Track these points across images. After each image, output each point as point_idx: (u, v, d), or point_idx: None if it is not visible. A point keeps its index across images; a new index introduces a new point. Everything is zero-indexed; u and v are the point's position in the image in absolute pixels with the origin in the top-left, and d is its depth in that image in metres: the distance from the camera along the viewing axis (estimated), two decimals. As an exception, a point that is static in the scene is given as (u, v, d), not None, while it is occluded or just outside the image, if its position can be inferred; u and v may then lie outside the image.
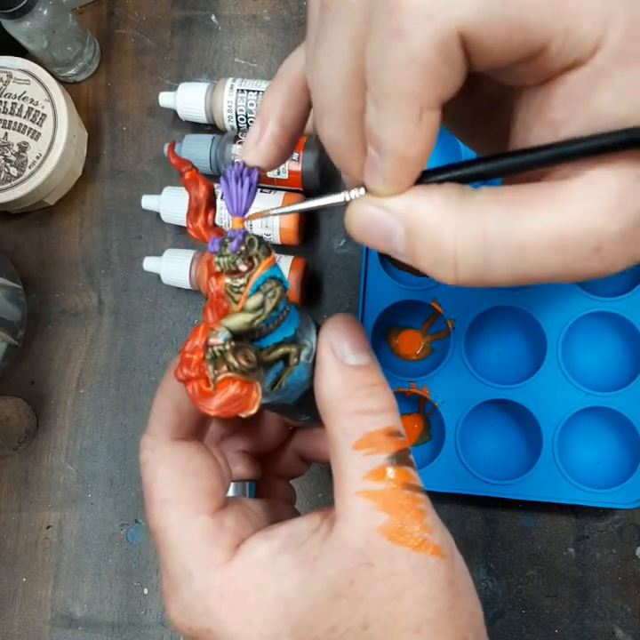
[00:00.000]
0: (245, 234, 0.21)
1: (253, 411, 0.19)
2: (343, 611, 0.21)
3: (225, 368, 0.19)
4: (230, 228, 0.21)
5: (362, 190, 0.19)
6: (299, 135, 0.23)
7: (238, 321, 0.20)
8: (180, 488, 0.23)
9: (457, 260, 0.17)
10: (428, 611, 0.21)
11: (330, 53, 0.17)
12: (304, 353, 0.22)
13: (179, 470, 0.23)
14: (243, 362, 0.19)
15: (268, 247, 0.21)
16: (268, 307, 0.21)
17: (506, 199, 0.17)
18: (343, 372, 0.22)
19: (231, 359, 0.19)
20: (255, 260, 0.21)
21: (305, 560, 0.21)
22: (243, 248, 0.21)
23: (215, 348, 0.19)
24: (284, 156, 0.23)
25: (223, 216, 0.51)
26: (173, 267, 0.54)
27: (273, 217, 0.51)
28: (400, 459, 0.21)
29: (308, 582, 0.21)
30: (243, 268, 0.21)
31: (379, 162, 0.17)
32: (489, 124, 0.23)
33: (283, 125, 0.22)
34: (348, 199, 0.19)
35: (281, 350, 0.22)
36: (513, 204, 0.17)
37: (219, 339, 0.19)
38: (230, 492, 0.26)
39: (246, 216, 0.22)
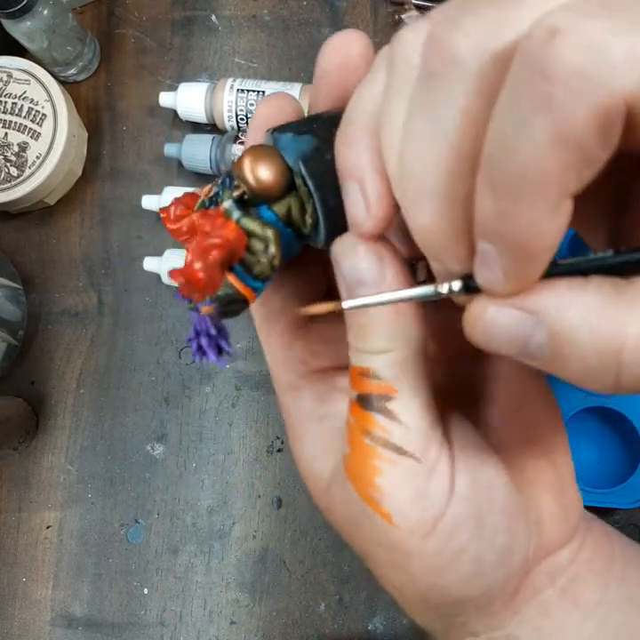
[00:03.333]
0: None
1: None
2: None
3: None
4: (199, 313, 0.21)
5: (457, 283, 0.16)
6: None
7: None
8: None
9: (621, 368, 0.14)
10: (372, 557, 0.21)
11: (433, 131, 0.15)
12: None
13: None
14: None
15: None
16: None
17: None
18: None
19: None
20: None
21: None
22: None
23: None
24: (393, 213, 0.19)
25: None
26: (173, 267, 0.54)
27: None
28: (364, 402, 0.20)
29: None
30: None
31: (497, 258, 0.15)
32: (608, 204, 0.19)
33: (385, 177, 0.18)
34: (442, 292, 0.17)
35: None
36: None
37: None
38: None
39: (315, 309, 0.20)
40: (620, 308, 0.14)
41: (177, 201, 0.21)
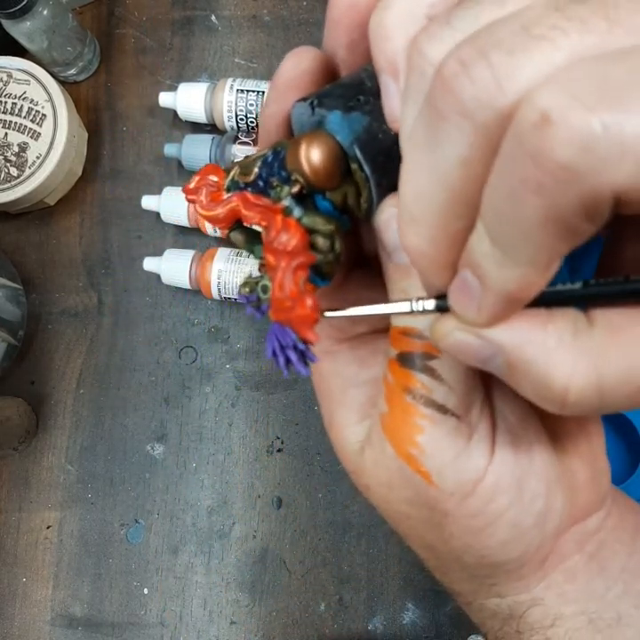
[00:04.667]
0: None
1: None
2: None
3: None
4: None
5: (431, 303, 0.17)
6: None
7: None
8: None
9: (566, 401, 0.15)
10: (404, 519, 0.21)
11: (433, 167, 0.15)
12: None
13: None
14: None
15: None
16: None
17: (625, 339, 0.15)
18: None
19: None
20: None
21: None
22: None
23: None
24: None
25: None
26: (173, 267, 0.54)
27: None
28: (405, 360, 0.20)
29: None
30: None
31: (477, 292, 0.15)
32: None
33: None
34: (416, 310, 0.18)
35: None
36: (633, 344, 0.15)
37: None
38: None
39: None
40: (572, 353, 0.15)
41: (202, 177, 0.20)
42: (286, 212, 0.18)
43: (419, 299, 0.17)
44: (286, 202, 0.18)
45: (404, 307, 0.18)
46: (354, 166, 0.18)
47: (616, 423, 0.48)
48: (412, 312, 0.17)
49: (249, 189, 0.19)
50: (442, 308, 0.17)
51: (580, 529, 0.22)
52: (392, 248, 0.19)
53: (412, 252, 0.16)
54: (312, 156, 0.18)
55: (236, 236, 0.20)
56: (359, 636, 0.53)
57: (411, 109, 0.16)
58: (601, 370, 0.15)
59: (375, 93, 0.18)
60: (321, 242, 0.18)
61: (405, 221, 0.16)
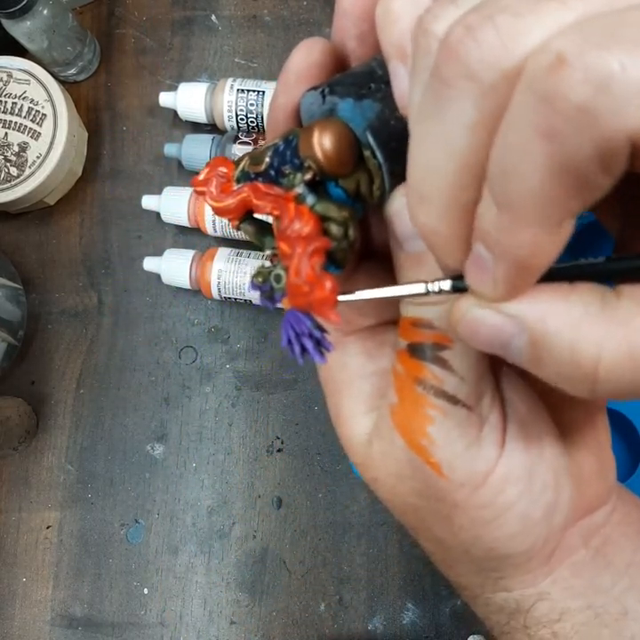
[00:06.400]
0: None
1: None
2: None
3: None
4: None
5: (447, 283, 0.17)
6: None
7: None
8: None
9: (598, 379, 0.14)
10: (411, 509, 0.21)
11: (441, 136, 0.14)
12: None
13: None
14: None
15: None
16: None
17: None
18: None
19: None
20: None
21: None
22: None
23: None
24: None
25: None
26: (173, 267, 0.54)
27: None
28: (416, 351, 0.20)
29: None
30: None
31: (491, 264, 0.15)
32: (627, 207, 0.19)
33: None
34: (432, 290, 0.17)
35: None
36: None
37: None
38: None
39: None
40: (601, 324, 0.14)
41: (211, 169, 0.20)
42: (299, 199, 0.18)
43: (434, 280, 0.17)
44: (299, 189, 0.18)
45: (419, 288, 0.17)
46: (367, 154, 0.18)
47: (616, 423, 0.48)
48: (427, 293, 0.17)
49: (259, 179, 0.19)
50: (458, 289, 0.16)
51: (587, 523, 0.22)
52: (403, 237, 0.19)
53: (424, 231, 0.16)
54: (325, 141, 0.18)
55: (246, 228, 0.20)
56: (359, 636, 0.53)
57: (417, 90, 0.15)
58: (632, 339, 0.14)
59: (386, 81, 0.18)
60: (335, 229, 0.18)
61: (415, 201, 0.16)
